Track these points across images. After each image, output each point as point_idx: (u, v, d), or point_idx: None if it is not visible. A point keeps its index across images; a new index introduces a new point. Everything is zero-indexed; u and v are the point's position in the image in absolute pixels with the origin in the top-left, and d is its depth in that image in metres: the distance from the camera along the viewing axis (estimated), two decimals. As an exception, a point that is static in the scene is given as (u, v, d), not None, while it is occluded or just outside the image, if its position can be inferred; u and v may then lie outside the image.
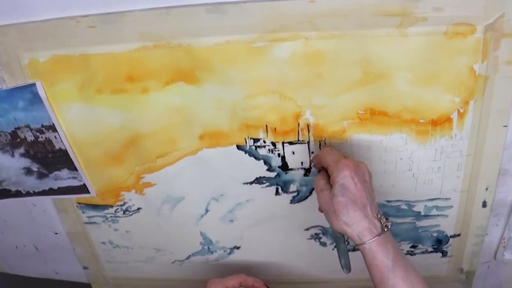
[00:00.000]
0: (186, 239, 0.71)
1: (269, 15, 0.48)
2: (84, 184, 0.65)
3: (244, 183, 0.62)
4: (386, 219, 0.47)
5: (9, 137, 0.61)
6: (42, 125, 0.59)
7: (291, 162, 0.59)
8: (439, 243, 0.65)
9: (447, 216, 0.62)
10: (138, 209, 0.68)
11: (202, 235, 0.70)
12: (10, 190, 0.68)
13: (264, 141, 0.58)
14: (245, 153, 0.59)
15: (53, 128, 0.59)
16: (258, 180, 0.62)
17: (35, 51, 0.53)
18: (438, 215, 0.62)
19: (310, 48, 0.50)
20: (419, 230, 0.64)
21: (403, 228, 0.64)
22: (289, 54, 0.50)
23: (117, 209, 0.68)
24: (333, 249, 0.68)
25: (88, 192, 0.66)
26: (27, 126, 0.59)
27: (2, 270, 0.85)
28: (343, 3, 0.47)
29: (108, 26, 0.50)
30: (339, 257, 0.53)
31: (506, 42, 0.47)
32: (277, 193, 0.63)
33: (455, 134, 0.54)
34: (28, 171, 0.65)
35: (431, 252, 0.67)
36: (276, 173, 0.61)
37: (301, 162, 0.59)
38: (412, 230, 0.64)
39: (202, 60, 0.52)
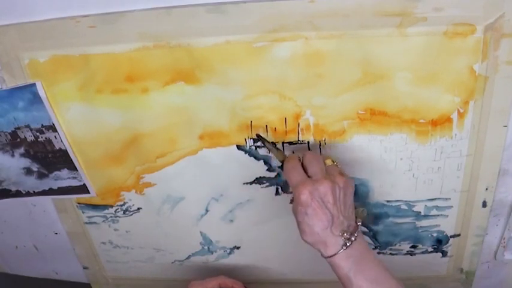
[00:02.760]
0: (186, 239, 0.71)
1: (269, 15, 0.48)
2: (84, 184, 0.65)
3: (244, 183, 0.62)
4: (351, 234, 0.48)
5: (9, 137, 0.61)
6: (42, 125, 0.59)
7: (291, 162, 0.59)
8: (439, 243, 0.65)
9: (447, 216, 0.62)
10: (138, 209, 0.68)
11: (202, 235, 0.70)
12: (10, 190, 0.68)
13: (264, 141, 0.58)
14: (245, 153, 0.59)
15: (53, 128, 0.59)
16: (258, 180, 0.62)
17: (35, 51, 0.53)
18: (438, 215, 0.62)
19: (310, 48, 0.50)
20: (419, 230, 0.64)
21: (403, 228, 0.64)
22: (289, 54, 0.50)
23: (117, 209, 0.68)
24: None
25: (88, 192, 0.66)
26: (27, 126, 0.59)
27: (2, 270, 0.85)
28: (343, 3, 0.47)
29: (108, 26, 0.50)
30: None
31: (506, 42, 0.47)
32: (277, 193, 0.63)
33: (455, 134, 0.54)
34: (28, 171, 0.65)
35: (431, 252, 0.67)
36: (276, 173, 0.61)
37: (301, 162, 0.59)
38: (412, 230, 0.64)
39: (202, 60, 0.52)
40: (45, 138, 0.60)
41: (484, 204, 0.60)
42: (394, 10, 0.46)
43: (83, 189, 0.66)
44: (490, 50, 0.48)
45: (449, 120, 0.53)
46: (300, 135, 0.57)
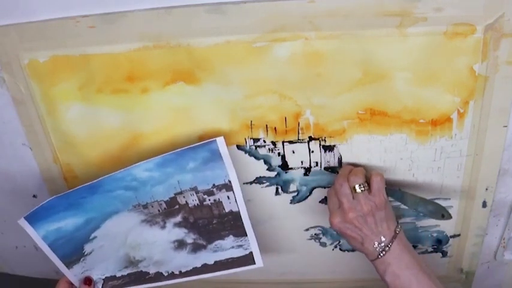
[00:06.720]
0: (186, 239, 0.71)
1: (269, 15, 0.48)
2: (251, 252, 0.59)
3: (244, 183, 0.62)
4: (385, 246, 0.52)
5: (164, 205, 0.56)
6: (213, 184, 0.55)
7: (291, 161, 0.59)
8: (439, 243, 0.65)
9: (447, 216, 0.62)
10: (138, 209, 0.68)
11: (202, 235, 0.70)
12: (148, 273, 0.61)
13: (264, 141, 0.58)
14: (245, 153, 0.59)
15: (227, 186, 0.55)
16: (258, 180, 0.62)
17: (35, 51, 0.53)
18: (438, 215, 0.62)
19: (310, 48, 0.50)
20: (419, 230, 0.64)
21: (403, 229, 0.64)
22: (289, 54, 0.50)
23: (117, 209, 0.68)
24: (333, 249, 0.67)
25: (253, 262, 0.60)
26: (193, 188, 0.55)
27: (2, 270, 0.85)
28: (343, 3, 0.47)
29: (108, 26, 0.50)
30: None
31: (506, 42, 0.47)
32: (277, 193, 0.63)
33: (455, 134, 0.54)
34: (180, 244, 0.58)
35: (431, 252, 0.66)
36: (276, 173, 0.61)
37: (301, 162, 0.59)
38: (412, 230, 0.64)
39: (202, 60, 0.52)
40: (214, 200, 0.56)
41: (484, 204, 0.60)
42: (394, 10, 0.46)
43: (248, 259, 0.60)
44: (490, 50, 0.48)
45: (449, 120, 0.53)
46: (300, 134, 0.57)
